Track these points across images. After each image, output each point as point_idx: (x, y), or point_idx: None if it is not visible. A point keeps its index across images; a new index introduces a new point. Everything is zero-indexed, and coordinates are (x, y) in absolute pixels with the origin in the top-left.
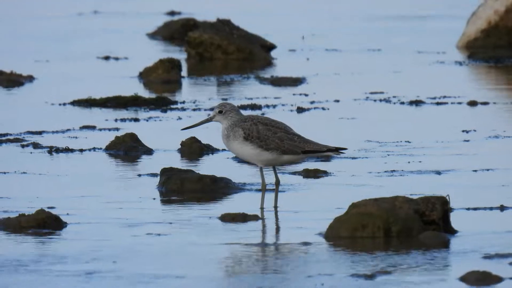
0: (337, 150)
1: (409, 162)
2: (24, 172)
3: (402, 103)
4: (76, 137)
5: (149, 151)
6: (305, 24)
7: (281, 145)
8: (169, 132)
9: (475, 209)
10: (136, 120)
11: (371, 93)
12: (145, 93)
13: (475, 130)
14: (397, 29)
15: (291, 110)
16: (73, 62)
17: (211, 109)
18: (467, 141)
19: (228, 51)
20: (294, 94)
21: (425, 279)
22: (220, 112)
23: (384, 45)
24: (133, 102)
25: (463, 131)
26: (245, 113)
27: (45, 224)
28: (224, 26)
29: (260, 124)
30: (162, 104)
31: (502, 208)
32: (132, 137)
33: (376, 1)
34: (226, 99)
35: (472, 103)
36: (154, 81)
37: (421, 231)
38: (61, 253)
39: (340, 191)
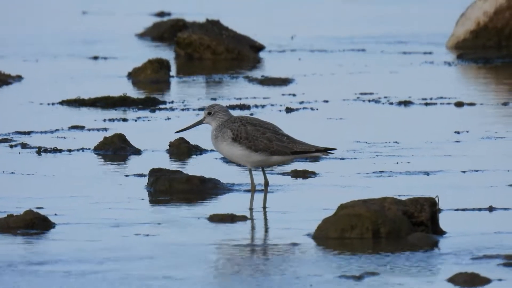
0: (326, 150)
1: (397, 163)
2: (12, 172)
3: (391, 103)
4: (65, 137)
5: (138, 152)
6: (292, 25)
7: (270, 146)
8: (157, 132)
9: (463, 210)
10: (125, 120)
11: (361, 93)
12: (134, 93)
13: (467, 131)
14: (381, 29)
15: (280, 110)
16: (62, 62)
17: (201, 109)
18: (458, 142)
19: (217, 52)
20: (283, 94)
21: (413, 280)
22: (209, 113)
23: (367, 46)
24: (122, 102)
25: (455, 132)
26: (234, 113)
27: (34, 224)
28: (213, 27)
29: (249, 124)
30: (151, 104)
31: (490, 209)
32: (121, 138)
33: (359, 2)
34: (215, 99)
35: (459, 104)
36: (143, 81)
37: (409, 232)
38: (49, 254)
39: (329, 192)
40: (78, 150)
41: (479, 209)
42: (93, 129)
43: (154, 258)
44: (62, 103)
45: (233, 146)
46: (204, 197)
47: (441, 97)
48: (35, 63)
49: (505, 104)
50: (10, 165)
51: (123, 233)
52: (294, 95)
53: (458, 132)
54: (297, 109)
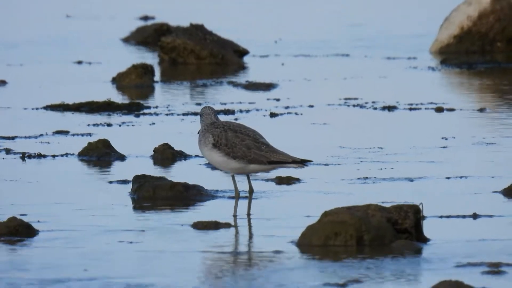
0: (302, 162)
1: (381, 169)
2: None
3: (375, 108)
4: (49, 143)
5: (122, 157)
6: (275, 30)
7: (248, 154)
8: (142, 137)
9: (447, 217)
10: (109, 125)
11: (346, 98)
12: (118, 98)
13: (454, 137)
14: (364, 35)
15: (264, 115)
16: (46, 66)
17: (185, 114)
18: (445, 147)
19: (201, 56)
20: (268, 99)
21: None
22: (200, 116)
23: (351, 50)
24: (106, 107)
25: (443, 138)
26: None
27: (17, 231)
28: (197, 31)
29: (230, 131)
30: (135, 109)
31: (475, 216)
32: (105, 143)
33: (343, 8)
34: (199, 104)
35: (439, 110)
36: (127, 86)
37: (393, 240)
38: (33, 261)
39: (313, 199)
40: (62, 155)
41: (463, 216)
42: (77, 134)
43: (137, 265)
44: (46, 108)
45: (212, 152)
46: (188, 204)
47: (427, 103)
48: (19, 68)
49: (481, 110)
50: None
51: (107, 240)
52: (278, 100)
53: (446, 138)
54: (281, 114)
